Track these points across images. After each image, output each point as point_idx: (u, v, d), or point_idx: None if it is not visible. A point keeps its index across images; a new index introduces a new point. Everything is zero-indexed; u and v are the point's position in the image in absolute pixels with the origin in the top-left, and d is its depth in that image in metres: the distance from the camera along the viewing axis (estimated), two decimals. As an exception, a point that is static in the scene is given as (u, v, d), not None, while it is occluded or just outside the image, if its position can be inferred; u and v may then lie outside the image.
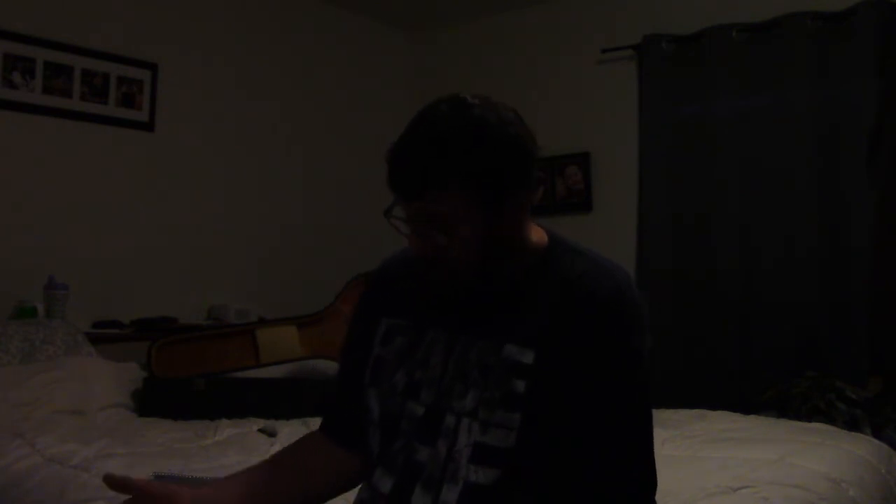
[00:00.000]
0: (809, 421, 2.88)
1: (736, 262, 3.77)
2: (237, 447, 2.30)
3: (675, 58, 4.00)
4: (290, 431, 2.50)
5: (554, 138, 4.41)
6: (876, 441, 2.49)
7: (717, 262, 3.82)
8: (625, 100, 4.17)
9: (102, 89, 3.50)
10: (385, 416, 1.18)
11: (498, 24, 4.68)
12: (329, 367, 3.30)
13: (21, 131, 3.27)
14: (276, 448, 2.28)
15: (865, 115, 3.46)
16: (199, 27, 3.92)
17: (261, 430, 2.55)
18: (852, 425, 2.95)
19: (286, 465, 1.29)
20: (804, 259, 3.59)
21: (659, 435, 2.38)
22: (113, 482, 1.09)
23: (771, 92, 3.75)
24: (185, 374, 3.00)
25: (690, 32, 3.95)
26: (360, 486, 1.26)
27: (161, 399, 2.82)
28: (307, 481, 1.26)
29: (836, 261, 3.54)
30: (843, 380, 3.26)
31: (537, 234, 1.19)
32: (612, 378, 1.09)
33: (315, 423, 2.61)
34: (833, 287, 3.54)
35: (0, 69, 3.19)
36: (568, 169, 4.38)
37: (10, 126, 3.23)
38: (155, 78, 3.67)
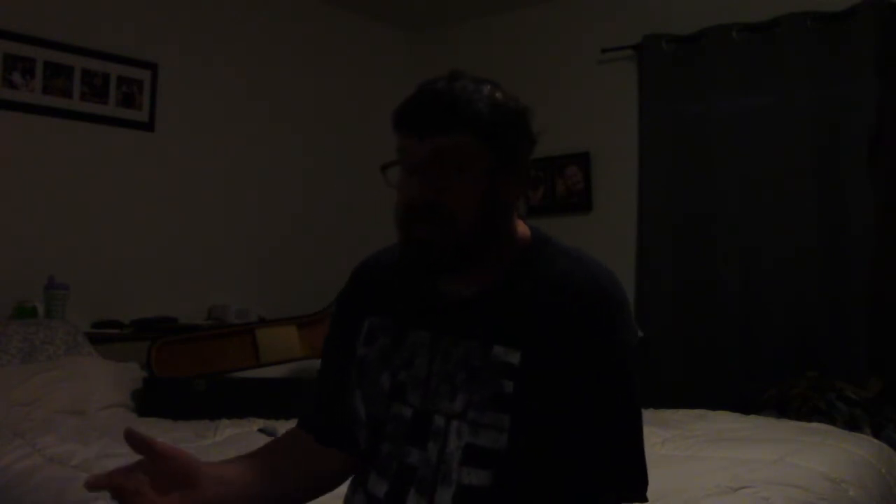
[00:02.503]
0: (809, 421, 2.88)
1: (736, 262, 3.77)
2: (237, 447, 2.30)
3: (675, 58, 4.00)
4: (290, 431, 2.50)
5: (554, 138, 4.40)
6: (876, 441, 2.49)
7: (717, 262, 3.81)
8: (625, 100, 4.16)
9: (102, 89, 3.50)
10: (371, 418, 1.18)
11: (498, 23, 4.68)
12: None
13: (21, 131, 3.27)
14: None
15: (865, 115, 3.46)
16: (199, 27, 3.92)
17: (261, 430, 2.55)
18: (852, 425, 2.94)
19: (274, 459, 1.26)
20: (804, 259, 3.59)
21: (659, 435, 2.40)
22: (132, 440, 1.05)
23: (771, 92, 3.74)
24: (185, 374, 3.00)
25: (690, 32, 3.95)
26: (348, 487, 1.25)
27: (161, 399, 2.82)
28: (291, 477, 1.24)
29: (836, 261, 3.54)
30: (843, 380, 3.26)
31: (522, 228, 1.19)
32: (600, 374, 1.08)
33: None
34: (833, 287, 3.54)
35: (0, 69, 3.19)
36: (568, 169, 4.38)
37: (10, 126, 3.23)
38: (155, 78, 3.68)
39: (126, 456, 2.18)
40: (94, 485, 1.04)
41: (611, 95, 4.26)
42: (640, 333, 3.87)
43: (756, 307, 3.71)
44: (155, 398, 2.82)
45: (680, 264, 3.93)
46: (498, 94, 1.11)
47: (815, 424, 2.67)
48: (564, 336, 1.08)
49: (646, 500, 1.11)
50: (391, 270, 1.23)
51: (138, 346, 3.16)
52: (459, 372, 1.11)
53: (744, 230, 3.76)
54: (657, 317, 3.95)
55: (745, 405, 3.18)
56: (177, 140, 3.78)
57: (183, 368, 3.05)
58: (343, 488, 1.28)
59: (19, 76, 3.24)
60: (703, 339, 3.82)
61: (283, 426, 2.58)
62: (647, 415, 2.79)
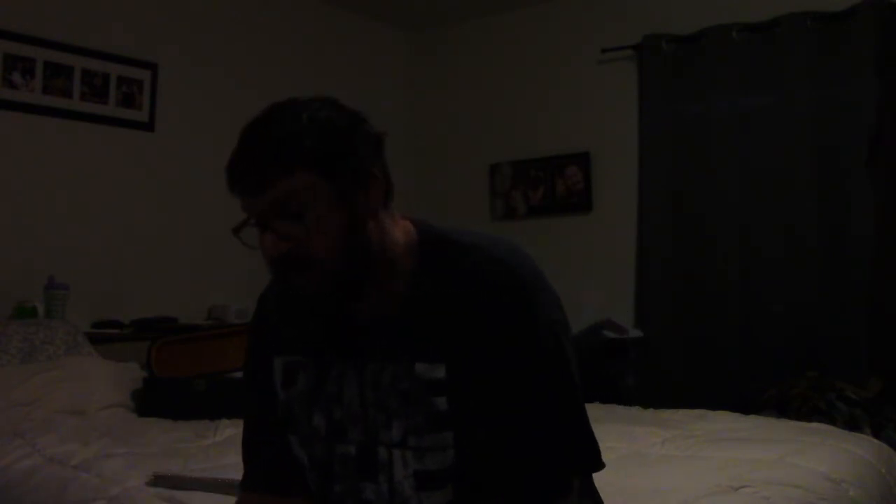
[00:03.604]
0: (809, 421, 2.87)
1: (736, 262, 3.77)
2: (237, 447, 2.29)
3: (675, 58, 4.00)
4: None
5: (554, 138, 4.42)
6: (876, 441, 2.49)
7: (717, 262, 3.82)
8: (625, 100, 4.17)
9: (102, 89, 3.50)
10: (315, 461, 1.14)
11: (498, 24, 4.68)
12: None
13: (21, 131, 3.27)
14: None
15: (865, 115, 3.46)
16: (199, 27, 3.92)
17: (261, 430, 2.54)
18: (852, 425, 2.94)
19: None
20: (804, 259, 3.59)
21: (659, 435, 2.40)
22: None
23: (771, 92, 3.75)
24: (185, 374, 3.00)
25: (690, 32, 3.96)
26: None
27: (161, 399, 2.82)
28: None
29: (836, 261, 3.54)
30: (843, 380, 3.26)
31: (404, 228, 1.12)
32: (531, 361, 1.05)
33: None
34: (833, 287, 3.54)
35: (0, 69, 3.19)
36: (568, 169, 4.38)
37: (10, 126, 3.23)
38: (155, 78, 3.67)
39: (125, 456, 2.19)
40: None
41: (611, 95, 4.27)
42: (640, 333, 3.87)
43: (756, 307, 3.71)
44: (155, 398, 2.82)
45: (680, 264, 3.93)
46: (322, 114, 1.03)
47: (815, 424, 2.66)
48: (485, 335, 1.04)
49: (603, 466, 1.10)
50: (291, 303, 1.14)
51: (138, 346, 3.16)
52: (391, 398, 1.08)
53: (744, 230, 3.77)
54: (657, 317, 3.95)
55: (745, 405, 3.18)
56: (177, 140, 3.78)
57: (183, 368, 3.05)
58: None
59: (19, 76, 3.24)
60: (703, 339, 3.82)
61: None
62: (647, 415, 2.80)
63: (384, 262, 1.07)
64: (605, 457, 1.13)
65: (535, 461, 1.05)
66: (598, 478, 1.14)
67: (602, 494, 1.17)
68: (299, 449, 1.16)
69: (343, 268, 1.03)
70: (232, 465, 2.06)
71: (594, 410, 1.27)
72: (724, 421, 2.67)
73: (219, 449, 2.29)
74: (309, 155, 1.01)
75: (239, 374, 3.15)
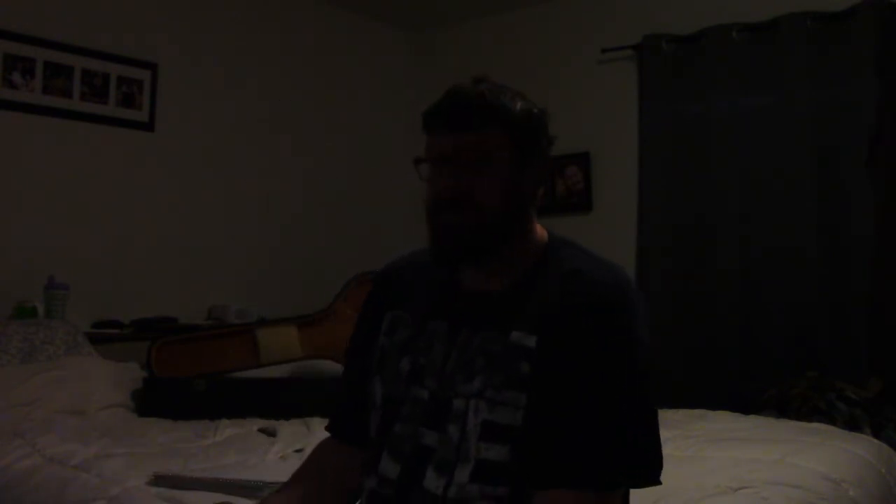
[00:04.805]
0: (809, 421, 2.88)
1: (736, 262, 3.77)
2: (237, 447, 2.31)
3: (675, 58, 4.00)
4: (290, 431, 2.51)
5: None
6: (876, 441, 2.49)
7: (717, 262, 3.81)
8: (625, 100, 4.16)
9: (102, 89, 3.50)
10: (387, 401, 1.24)
11: (498, 24, 4.68)
12: (329, 367, 3.30)
13: (21, 131, 3.27)
14: (277, 448, 2.28)
15: (865, 115, 3.46)
16: (199, 27, 3.92)
17: (261, 430, 2.55)
18: (852, 425, 2.94)
19: (312, 479, 1.34)
20: (804, 259, 3.59)
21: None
22: None
23: (771, 92, 3.74)
24: (185, 374, 3.00)
25: (690, 32, 3.95)
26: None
27: (161, 399, 2.82)
28: (337, 491, 1.32)
29: (836, 261, 3.54)
30: (843, 380, 3.26)
31: (540, 229, 1.27)
32: (611, 361, 1.12)
33: (314, 422, 2.63)
34: (833, 287, 3.53)
35: (0, 69, 3.19)
36: (568, 169, 4.38)
37: (10, 126, 3.23)
38: (155, 78, 3.68)
39: (125, 456, 2.20)
40: None
41: (611, 95, 4.26)
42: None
43: (756, 307, 3.71)
44: (155, 398, 2.83)
45: (680, 264, 3.93)
46: (519, 97, 1.22)
47: (815, 424, 2.67)
48: (579, 323, 1.13)
49: (659, 482, 1.14)
50: (413, 270, 1.33)
51: (138, 346, 3.16)
52: (478, 358, 1.16)
53: (743, 230, 3.76)
54: (657, 317, 3.95)
55: (745, 405, 3.18)
56: (177, 140, 3.78)
57: (183, 368, 3.05)
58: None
59: (19, 76, 3.25)
60: (703, 339, 3.82)
61: (283, 426, 2.58)
62: (647, 415, 2.80)
63: (520, 242, 1.23)
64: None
65: (591, 452, 1.09)
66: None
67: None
68: (378, 387, 1.26)
69: (494, 217, 1.18)
70: (232, 465, 2.06)
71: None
72: (724, 421, 2.67)
73: (219, 449, 2.30)
74: (509, 120, 1.19)
75: (239, 375, 3.16)
